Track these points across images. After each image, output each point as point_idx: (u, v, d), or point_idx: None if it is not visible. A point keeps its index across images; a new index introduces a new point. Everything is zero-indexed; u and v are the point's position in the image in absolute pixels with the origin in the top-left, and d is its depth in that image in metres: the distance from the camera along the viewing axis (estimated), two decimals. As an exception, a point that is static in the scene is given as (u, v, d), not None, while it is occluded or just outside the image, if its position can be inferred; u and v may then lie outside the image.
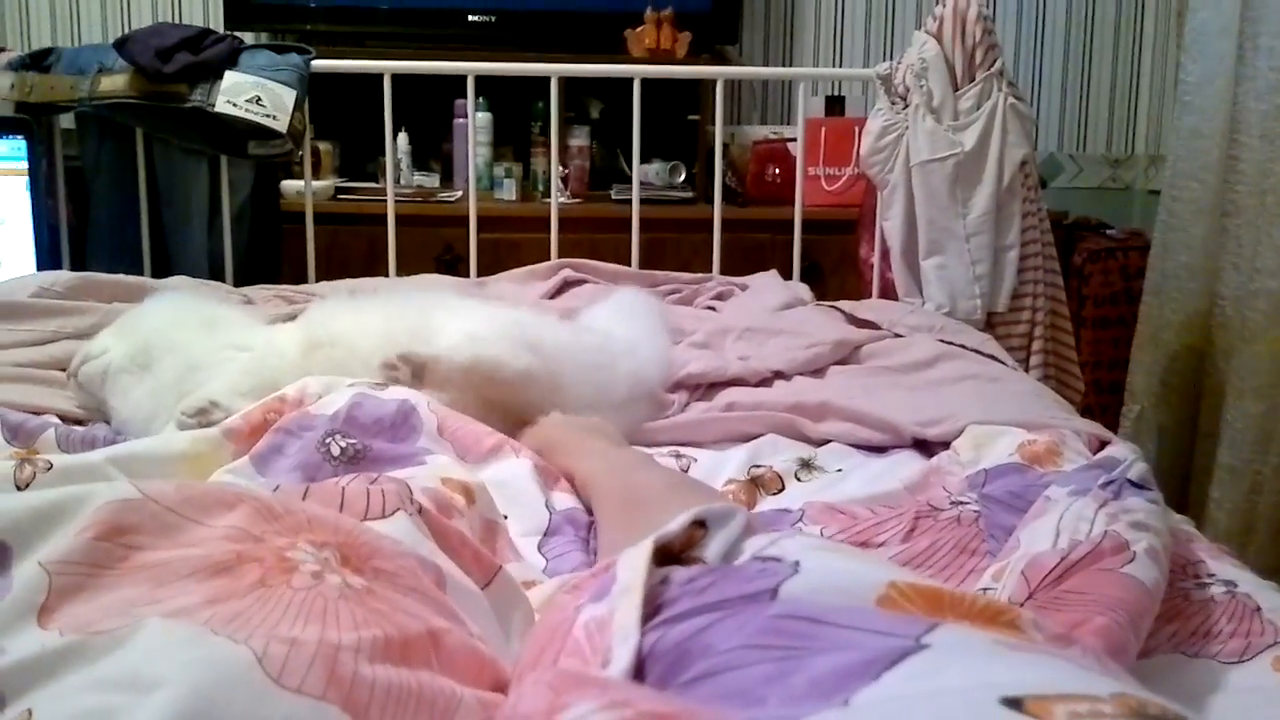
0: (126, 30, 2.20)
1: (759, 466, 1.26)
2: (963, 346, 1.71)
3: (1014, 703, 0.41)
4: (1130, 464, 1.00)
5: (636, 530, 0.81)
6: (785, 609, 0.52)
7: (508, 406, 1.27)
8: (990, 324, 2.06)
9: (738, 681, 0.48)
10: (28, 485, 0.92)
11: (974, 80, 2.02)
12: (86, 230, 2.29)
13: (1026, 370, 1.98)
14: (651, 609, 0.55)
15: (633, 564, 0.58)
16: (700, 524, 0.62)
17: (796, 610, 0.51)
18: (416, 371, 1.21)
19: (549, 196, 2.34)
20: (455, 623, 0.67)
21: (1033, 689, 0.42)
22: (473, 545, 0.82)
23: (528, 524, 1.05)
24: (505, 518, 1.05)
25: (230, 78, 2.07)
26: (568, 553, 1.00)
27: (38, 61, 2.18)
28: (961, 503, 1.07)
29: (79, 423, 1.29)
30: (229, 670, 0.53)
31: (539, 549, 1.02)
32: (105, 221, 2.27)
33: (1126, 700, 0.42)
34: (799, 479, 1.24)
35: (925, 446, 1.32)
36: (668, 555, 0.60)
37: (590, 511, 1.08)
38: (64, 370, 1.40)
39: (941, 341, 1.71)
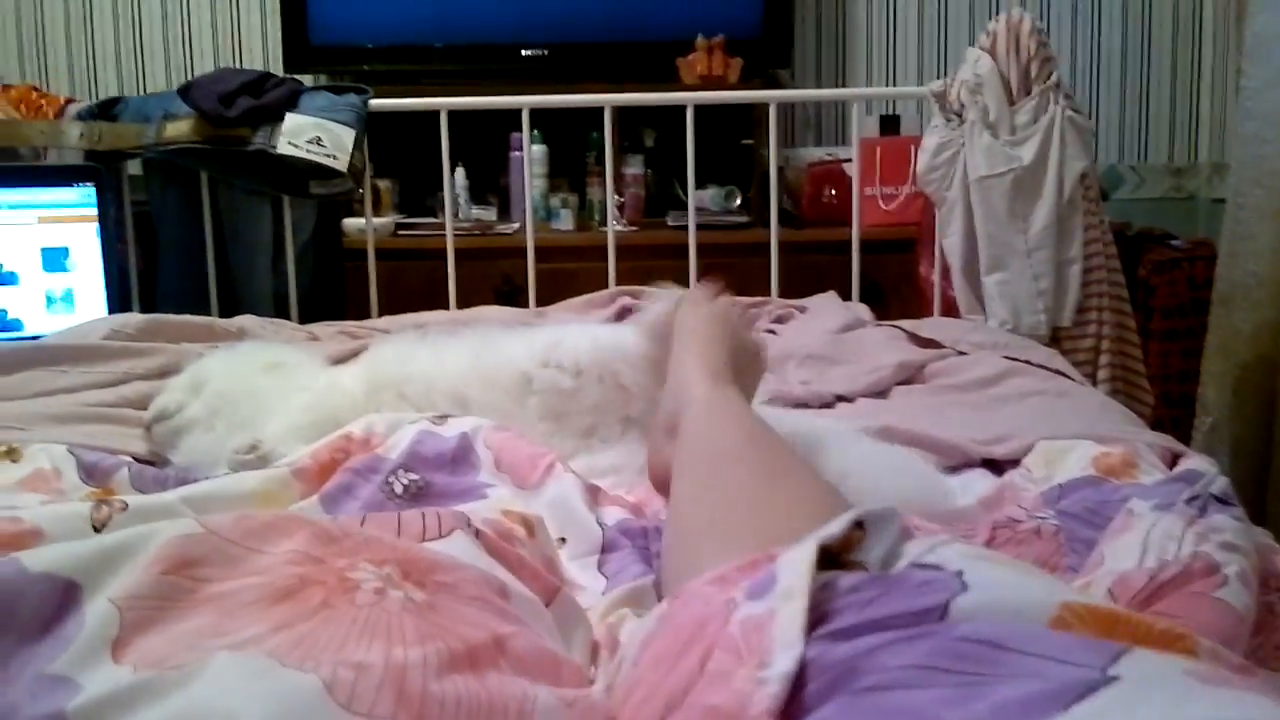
0: (189, 77, 2.26)
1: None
2: (1028, 362, 1.68)
3: None
4: (1212, 479, 0.98)
5: (775, 490, 0.79)
6: (961, 632, 0.50)
7: (624, 387, 1.28)
8: (1055, 339, 2.03)
9: (911, 700, 0.46)
10: (104, 525, 0.93)
11: (1030, 94, 2.00)
12: (155, 273, 2.34)
13: (1094, 385, 1.95)
14: (815, 616, 0.53)
15: (795, 567, 0.56)
16: (859, 524, 0.61)
17: (973, 634, 0.49)
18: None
19: (605, 225, 2.35)
20: (521, 626, 0.67)
21: None
22: (531, 566, 0.82)
23: (584, 545, 1.04)
24: (563, 540, 1.05)
25: (291, 120, 2.11)
26: (627, 566, 0.99)
27: (105, 110, 2.24)
28: (1039, 518, 1.06)
29: (150, 462, 1.32)
30: (299, 701, 0.54)
31: (599, 568, 1.01)
32: (173, 264, 2.32)
33: None
34: (873, 496, 1.22)
35: (995, 465, 1.30)
36: (827, 556, 0.58)
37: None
38: (135, 409, 1.42)
39: (1006, 358, 1.69)
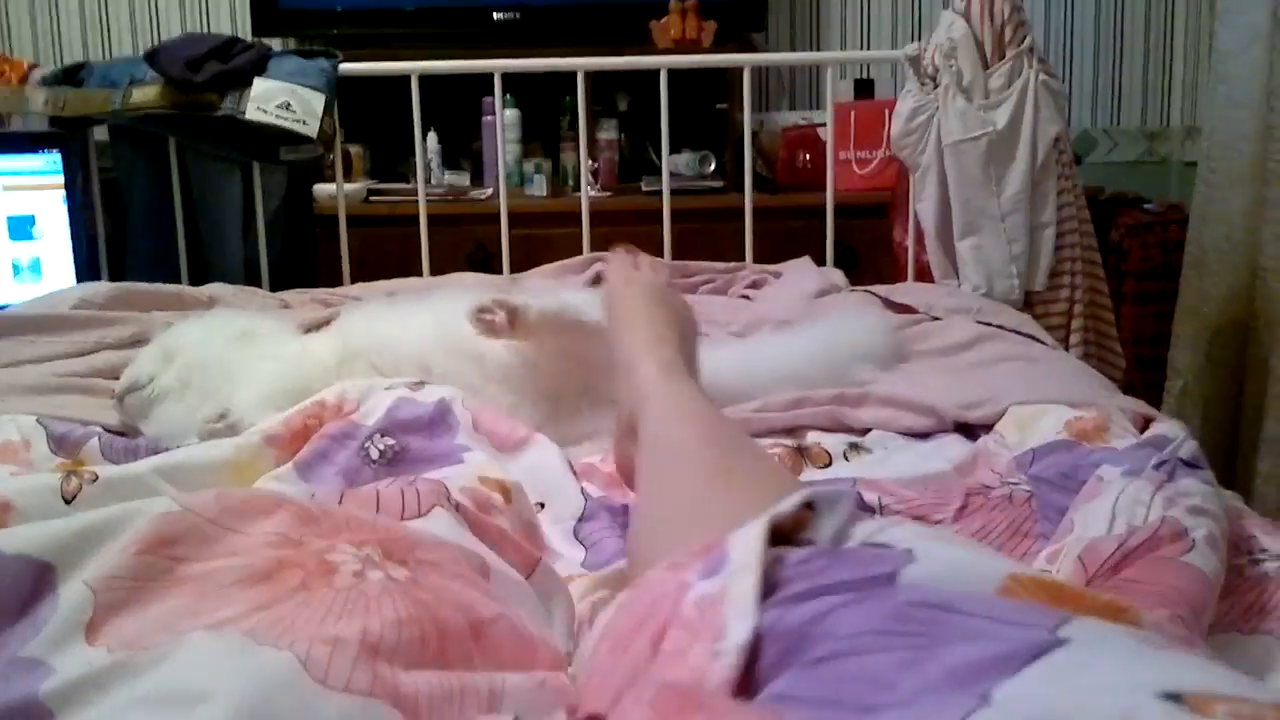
0: (156, 42, 2.22)
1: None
2: (1001, 327, 1.69)
3: (1173, 698, 0.39)
4: (1181, 442, 0.99)
5: (719, 481, 0.79)
6: (911, 595, 0.50)
7: (585, 359, 1.27)
8: (1029, 303, 2.03)
9: (866, 666, 0.47)
10: (74, 498, 0.93)
11: (1004, 58, 2.00)
12: (124, 241, 2.31)
13: (1067, 349, 1.96)
14: (766, 587, 0.53)
15: (746, 543, 0.57)
16: (809, 505, 0.61)
17: (923, 597, 0.50)
18: (510, 316, 1.22)
19: (579, 191, 2.34)
20: (501, 607, 0.67)
21: (1189, 687, 0.40)
22: (512, 539, 0.83)
23: (563, 509, 1.05)
24: (541, 505, 1.05)
25: (260, 85, 2.08)
26: (605, 539, 0.99)
27: (70, 76, 2.20)
28: (1012, 484, 1.06)
29: (121, 433, 1.31)
30: (274, 678, 0.53)
31: (575, 534, 1.01)
32: (142, 231, 2.29)
33: None
34: (847, 459, 1.23)
35: (968, 430, 1.31)
36: (778, 536, 0.59)
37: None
38: (105, 379, 1.41)
39: (980, 323, 1.69)
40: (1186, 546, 0.80)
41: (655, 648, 0.55)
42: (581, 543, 1.00)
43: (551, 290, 1.43)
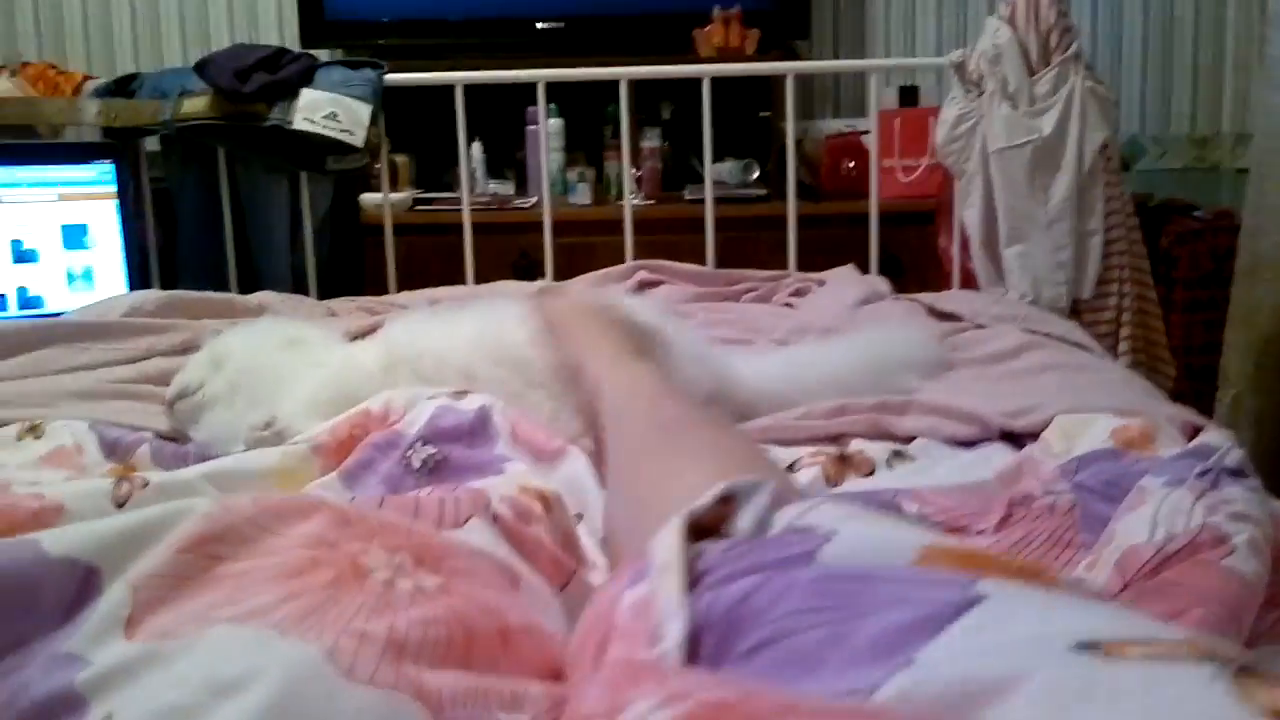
0: (206, 53, 2.26)
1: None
2: (1048, 335, 1.67)
3: (1089, 646, 0.40)
4: (1226, 451, 0.97)
5: (672, 466, 0.80)
6: (828, 570, 0.51)
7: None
8: (1076, 311, 2.02)
9: (795, 647, 0.47)
10: (125, 502, 0.94)
11: (1050, 64, 1.98)
12: (174, 249, 2.35)
13: (1115, 357, 1.94)
14: (691, 581, 0.54)
15: (666, 543, 0.58)
16: (729, 498, 0.62)
17: (841, 571, 0.51)
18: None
19: (622, 199, 2.35)
20: (529, 618, 0.68)
21: (1103, 634, 0.41)
22: (550, 549, 0.83)
23: (599, 522, 1.05)
24: (580, 516, 1.05)
25: (307, 95, 2.11)
26: None
27: (122, 88, 2.24)
28: (1055, 492, 1.05)
29: (172, 439, 1.32)
30: (300, 669, 0.54)
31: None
32: (192, 240, 2.33)
33: (1199, 644, 0.40)
34: (890, 467, 1.22)
35: (1014, 439, 1.30)
36: (698, 531, 0.60)
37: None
38: (155, 385, 1.43)
39: (1026, 331, 1.68)
40: (1227, 551, 0.79)
41: (597, 661, 0.56)
42: None
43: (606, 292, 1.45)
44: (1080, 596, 0.50)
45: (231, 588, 0.62)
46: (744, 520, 0.60)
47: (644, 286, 2.04)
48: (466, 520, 0.78)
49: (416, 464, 1.06)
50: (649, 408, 0.96)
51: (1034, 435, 1.26)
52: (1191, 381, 2.57)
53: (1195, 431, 1.21)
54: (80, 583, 0.63)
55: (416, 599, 0.62)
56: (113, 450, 1.22)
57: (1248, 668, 0.37)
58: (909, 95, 3.03)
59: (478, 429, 1.12)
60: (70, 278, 2.13)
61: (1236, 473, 0.93)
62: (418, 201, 2.90)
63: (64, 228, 2.13)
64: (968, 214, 2.09)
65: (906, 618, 0.45)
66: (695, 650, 0.50)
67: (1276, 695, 0.35)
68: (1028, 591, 0.47)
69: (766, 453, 1.22)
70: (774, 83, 2.83)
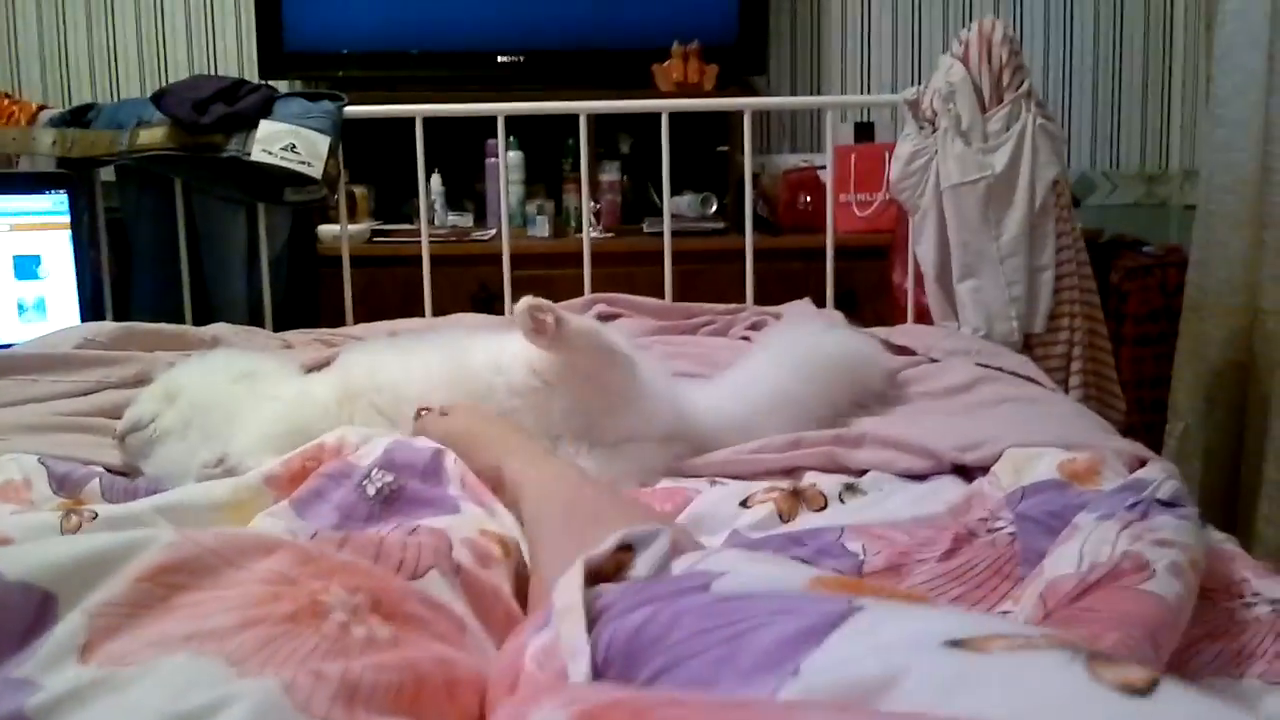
0: (163, 84, 2.25)
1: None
2: (1000, 369, 1.70)
3: (956, 643, 0.44)
4: (1159, 484, 0.99)
5: (589, 544, 0.82)
6: (717, 594, 0.54)
7: (606, 386, 1.30)
8: (1028, 345, 2.04)
9: (692, 670, 0.49)
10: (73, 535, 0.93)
11: (1002, 102, 2.02)
12: (129, 280, 2.33)
13: (1066, 391, 1.97)
14: (592, 620, 0.56)
15: (566, 588, 0.59)
16: (628, 547, 0.64)
17: (729, 592, 0.53)
18: (556, 321, 1.24)
19: (581, 232, 2.36)
20: (478, 671, 0.68)
21: (969, 633, 0.44)
22: (505, 602, 0.84)
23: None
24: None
25: (265, 127, 2.11)
26: None
27: (78, 118, 2.23)
28: (998, 527, 1.07)
29: (123, 473, 1.31)
30: (262, 704, 0.55)
31: None
32: (147, 271, 2.31)
33: (1055, 636, 0.44)
34: (842, 501, 1.23)
35: (965, 472, 1.31)
36: (598, 579, 0.61)
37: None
38: (108, 418, 1.42)
39: (979, 365, 1.70)
40: (1147, 576, 0.80)
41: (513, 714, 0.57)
42: None
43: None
44: (948, 610, 0.54)
45: (188, 614, 0.62)
46: (642, 566, 0.63)
47: (603, 319, 2.05)
48: (426, 571, 0.78)
49: (372, 491, 1.06)
50: (560, 498, 1.00)
51: (985, 468, 1.28)
52: (1142, 414, 2.61)
53: (1141, 464, 1.23)
54: (37, 609, 0.62)
55: (367, 649, 0.63)
56: (62, 484, 1.20)
57: (1098, 654, 0.42)
58: (865, 131, 3.07)
59: (431, 469, 1.12)
60: (21, 309, 2.11)
61: (1169, 504, 0.95)
62: (376, 233, 2.90)
63: (16, 258, 2.10)
64: (921, 249, 2.11)
65: (791, 629, 0.47)
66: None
67: (1123, 671, 0.40)
68: (901, 604, 0.51)
69: (722, 489, 1.24)
70: (732, 118, 2.86)
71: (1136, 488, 1.01)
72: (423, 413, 1.28)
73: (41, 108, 2.32)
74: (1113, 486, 1.08)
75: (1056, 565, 0.88)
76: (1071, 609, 0.79)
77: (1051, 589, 0.82)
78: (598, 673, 0.52)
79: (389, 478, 1.07)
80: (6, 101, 2.39)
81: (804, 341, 1.54)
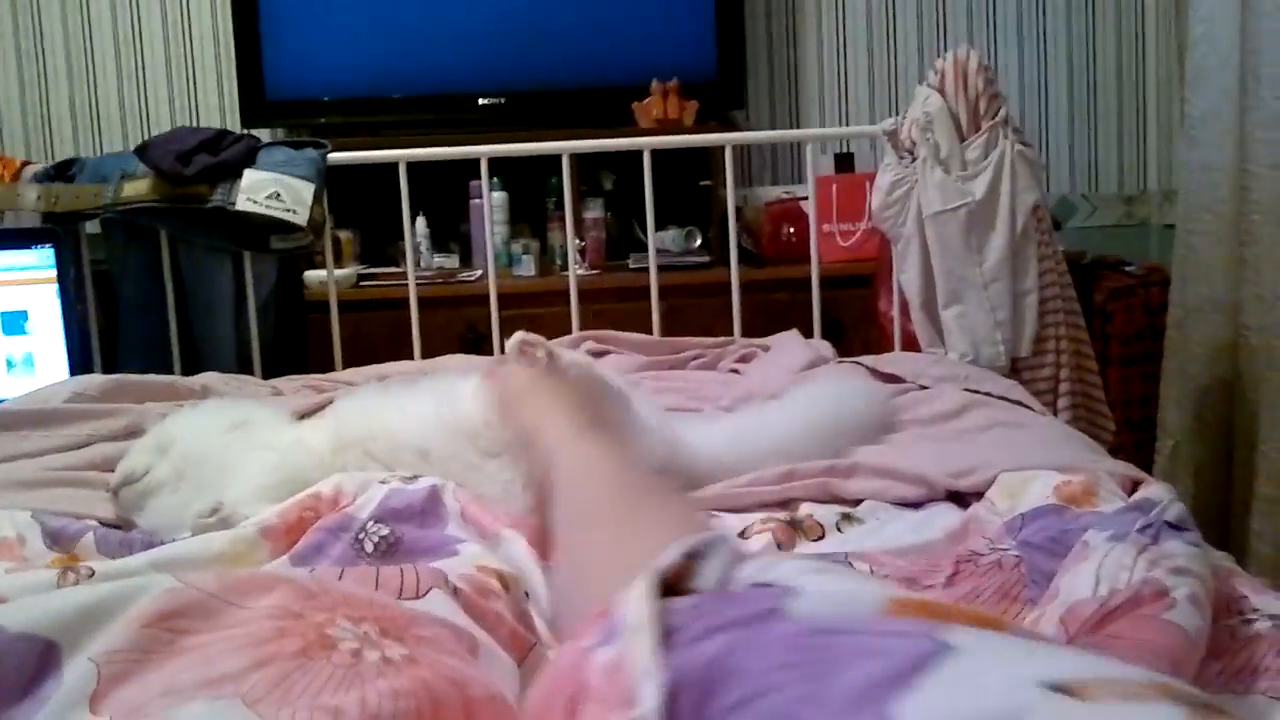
0: (146, 136, 2.26)
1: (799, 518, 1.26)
2: (989, 394, 1.70)
3: (1057, 688, 0.41)
4: (1167, 505, 1.00)
5: (632, 532, 0.80)
6: (799, 627, 0.52)
7: (600, 419, 1.28)
8: (1015, 369, 2.05)
9: (773, 705, 0.48)
10: (72, 591, 0.93)
11: (979, 130, 2.04)
12: (116, 332, 2.33)
13: (1055, 413, 1.98)
14: (662, 638, 0.54)
15: (635, 601, 0.58)
16: (691, 555, 0.63)
17: (809, 627, 0.51)
18: (547, 356, 1.25)
19: (567, 270, 2.36)
20: (492, 688, 0.68)
21: (1069, 676, 0.42)
22: (509, 623, 0.83)
23: (543, 601, 1.04)
24: (526, 595, 1.05)
25: (249, 176, 2.12)
26: None
27: (62, 172, 2.23)
28: (1001, 549, 1.07)
29: (117, 526, 1.31)
30: None
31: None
32: (134, 322, 2.31)
33: (1164, 686, 0.42)
34: (839, 530, 1.23)
35: (959, 498, 1.32)
36: (664, 589, 0.60)
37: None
38: (100, 471, 1.42)
39: (967, 390, 1.71)
40: (1168, 605, 0.81)
41: None
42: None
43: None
44: (1038, 641, 0.51)
45: (198, 657, 0.62)
46: (707, 576, 0.61)
47: (591, 356, 2.05)
48: (427, 592, 0.78)
49: (369, 547, 1.05)
50: (605, 477, 0.96)
51: (979, 494, 1.28)
52: (1132, 434, 2.62)
53: (1135, 485, 1.24)
54: (39, 658, 0.62)
55: (384, 670, 0.63)
56: (56, 540, 1.20)
57: (1208, 705, 0.40)
58: (845, 161, 3.09)
59: (429, 509, 1.12)
60: (10, 364, 2.11)
61: (1177, 526, 0.96)
62: (362, 277, 2.90)
63: (3, 314, 2.10)
64: (905, 277, 2.13)
65: (878, 669, 0.46)
66: (672, 712, 0.50)
67: None
68: (990, 640, 0.48)
69: (718, 521, 1.23)
70: (713, 152, 2.88)
71: (1144, 509, 1.02)
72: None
73: (25, 164, 2.33)
74: (1115, 508, 1.09)
75: (1073, 587, 0.88)
76: (1095, 636, 0.79)
77: (1072, 613, 0.83)
78: (670, 700, 0.51)
79: (385, 530, 1.07)
80: (-10, 158, 2.40)
81: (819, 401, 1.54)
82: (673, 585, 0.61)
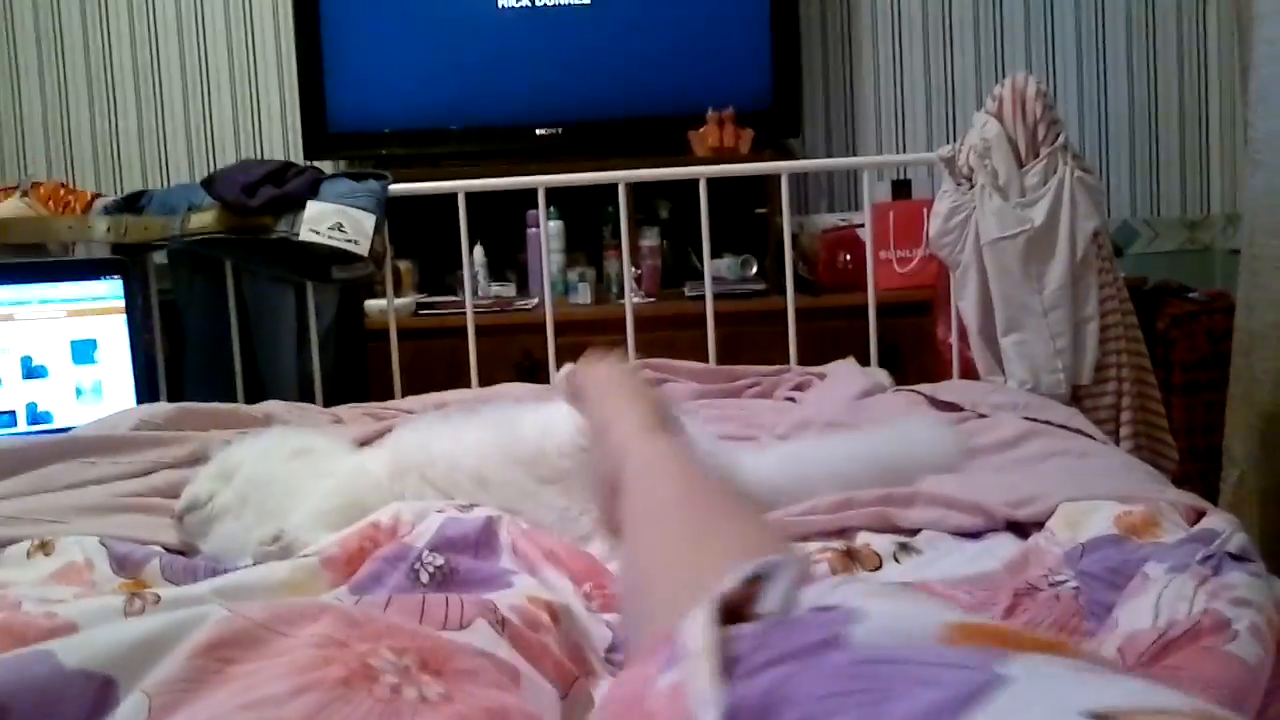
0: (212, 169, 2.31)
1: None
2: (1049, 423, 1.68)
3: (1101, 717, 0.41)
4: (1229, 536, 0.98)
5: (706, 539, 0.81)
6: (856, 655, 0.52)
7: None
8: (1076, 397, 2.03)
9: None
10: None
11: (1038, 156, 2.02)
12: (182, 361, 2.37)
13: (1117, 442, 1.95)
14: (723, 667, 0.54)
15: (696, 629, 0.58)
16: (755, 578, 0.62)
17: (867, 655, 0.51)
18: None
19: (623, 298, 2.38)
20: (530, 715, 0.68)
21: (1116, 704, 0.42)
22: (554, 654, 0.84)
23: (594, 641, 1.04)
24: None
25: (312, 207, 2.16)
26: None
27: (131, 204, 2.29)
28: (1060, 581, 1.06)
29: (181, 552, 1.33)
30: None
31: (609, 661, 1.01)
32: (199, 351, 2.36)
33: (1205, 712, 0.42)
34: (897, 560, 1.23)
35: (1019, 528, 1.30)
36: (729, 611, 0.60)
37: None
38: (165, 498, 1.44)
39: (1027, 419, 1.69)
40: (1229, 637, 0.79)
41: None
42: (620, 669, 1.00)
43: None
44: (1099, 669, 0.50)
45: (242, 685, 0.63)
46: (770, 600, 0.60)
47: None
48: (470, 622, 0.78)
49: (425, 577, 1.06)
50: (675, 477, 0.95)
51: (1039, 524, 1.27)
52: (1196, 463, 2.57)
53: (1198, 515, 1.21)
54: (97, 693, 0.63)
55: (420, 710, 0.63)
56: (122, 565, 1.22)
57: None
58: (902, 188, 3.08)
59: (484, 540, 1.13)
60: (79, 392, 2.16)
61: (1239, 557, 0.94)
62: (421, 306, 2.94)
63: (73, 343, 2.15)
64: (964, 304, 2.11)
65: (932, 700, 0.45)
66: None
67: None
68: (1048, 667, 0.48)
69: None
70: (769, 180, 2.88)
71: (1205, 540, 1.00)
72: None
73: (96, 196, 2.39)
74: (1176, 538, 1.07)
75: (1132, 618, 0.87)
76: (1155, 668, 0.78)
77: (1130, 643, 0.82)
78: None
79: (440, 560, 1.08)
80: (62, 191, 2.47)
81: (886, 439, 1.52)
82: (735, 606, 0.61)
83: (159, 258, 2.36)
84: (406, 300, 2.87)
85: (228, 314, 2.30)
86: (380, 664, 0.66)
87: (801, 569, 0.63)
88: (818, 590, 0.60)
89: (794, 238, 2.69)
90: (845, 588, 0.60)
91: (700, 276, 2.42)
